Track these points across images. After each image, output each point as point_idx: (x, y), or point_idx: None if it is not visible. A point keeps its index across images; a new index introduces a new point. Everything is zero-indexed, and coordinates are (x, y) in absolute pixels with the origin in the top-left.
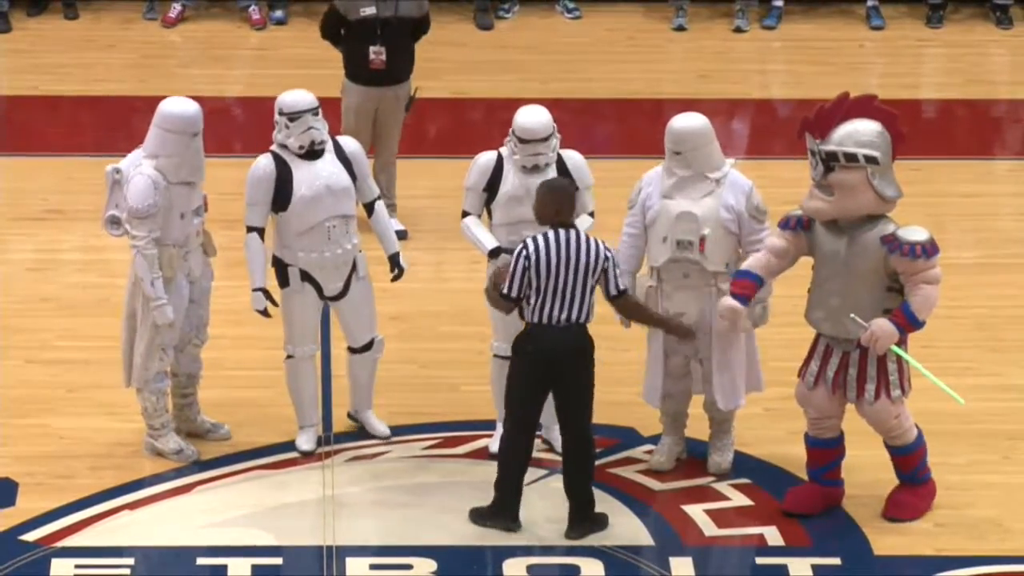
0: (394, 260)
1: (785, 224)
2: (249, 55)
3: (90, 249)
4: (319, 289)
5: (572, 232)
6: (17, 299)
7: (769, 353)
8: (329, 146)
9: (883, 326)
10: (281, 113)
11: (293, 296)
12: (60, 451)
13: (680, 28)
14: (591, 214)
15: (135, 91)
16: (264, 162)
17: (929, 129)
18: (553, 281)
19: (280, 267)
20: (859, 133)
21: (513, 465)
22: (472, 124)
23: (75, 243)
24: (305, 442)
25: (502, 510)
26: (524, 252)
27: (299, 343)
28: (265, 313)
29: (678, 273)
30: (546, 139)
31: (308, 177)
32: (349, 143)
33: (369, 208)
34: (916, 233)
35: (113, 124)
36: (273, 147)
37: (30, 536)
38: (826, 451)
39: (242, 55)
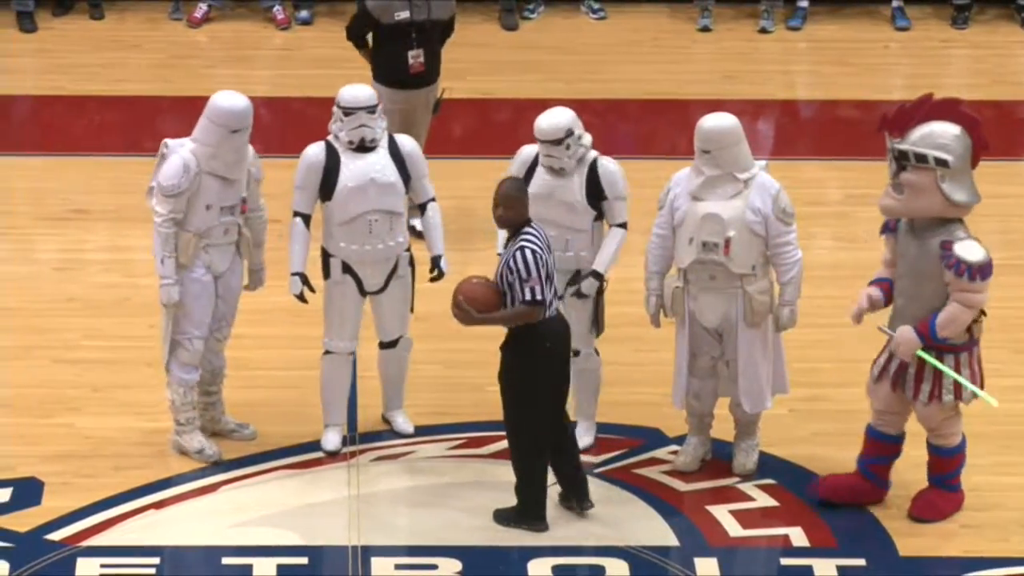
0: (435, 262)
1: (883, 229)
2: (274, 55)
3: (115, 249)
4: (360, 283)
5: (538, 228)
6: (42, 299)
7: (794, 354)
8: (384, 143)
9: (905, 334)
10: (338, 106)
11: (334, 288)
12: (86, 451)
13: (705, 29)
14: (622, 225)
15: (160, 91)
16: (316, 149)
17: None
18: (549, 274)
19: (324, 257)
20: (935, 135)
21: (541, 466)
22: (497, 125)
23: (100, 243)
24: (330, 442)
25: (533, 510)
26: (538, 253)
27: (336, 336)
28: (301, 298)
29: (704, 275)
30: (557, 142)
31: (354, 169)
32: (407, 143)
33: (422, 208)
34: (971, 251)
35: (138, 124)
36: (329, 136)
37: (56, 535)
38: (880, 444)
39: (267, 55)
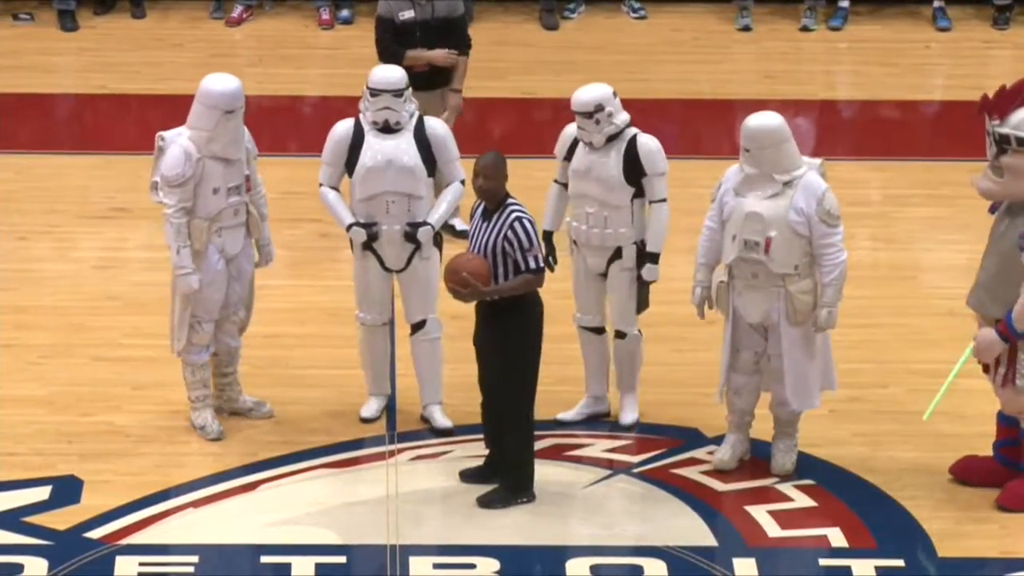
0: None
1: (991, 209)
2: (317, 55)
3: (156, 247)
4: (380, 260)
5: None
6: (84, 297)
7: (834, 355)
8: (411, 126)
9: (986, 336)
10: (367, 86)
11: (358, 262)
12: (125, 449)
13: (746, 28)
14: (663, 200)
15: None
16: (344, 126)
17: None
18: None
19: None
20: None
21: (531, 434)
22: (537, 124)
23: (141, 241)
24: (367, 409)
25: (526, 482)
26: (533, 222)
27: (365, 310)
28: (368, 245)
29: (747, 272)
30: (588, 115)
31: (376, 149)
32: (436, 126)
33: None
34: None
35: (180, 123)
36: (359, 115)
37: (94, 534)
38: (1004, 427)
39: (309, 55)
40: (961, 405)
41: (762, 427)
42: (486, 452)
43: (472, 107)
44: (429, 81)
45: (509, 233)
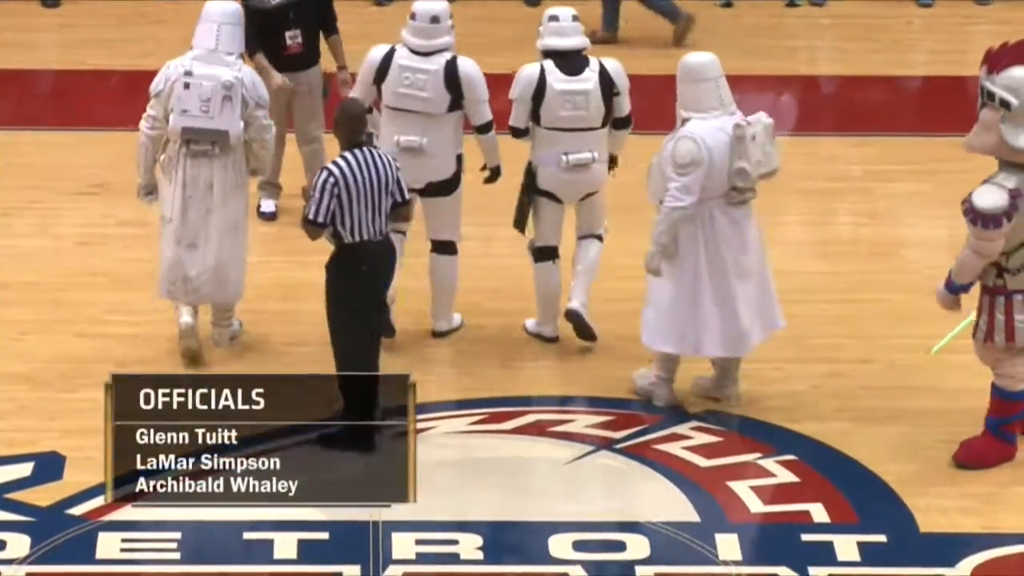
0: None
1: None
2: None
3: (139, 224)
4: None
5: (366, 151)
6: (66, 273)
7: (815, 330)
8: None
9: (938, 288)
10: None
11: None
12: None
13: (727, 4)
14: (628, 118)
15: None
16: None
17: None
18: (364, 199)
19: None
20: (1012, 77)
21: (364, 375)
22: None
23: (124, 217)
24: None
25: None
26: (331, 176)
27: None
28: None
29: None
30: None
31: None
32: (467, 66)
33: (478, 130)
34: (983, 197)
35: None
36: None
37: (77, 510)
38: (999, 401)
39: None
40: (942, 379)
41: (745, 403)
42: (468, 428)
43: None
44: (305, 60)
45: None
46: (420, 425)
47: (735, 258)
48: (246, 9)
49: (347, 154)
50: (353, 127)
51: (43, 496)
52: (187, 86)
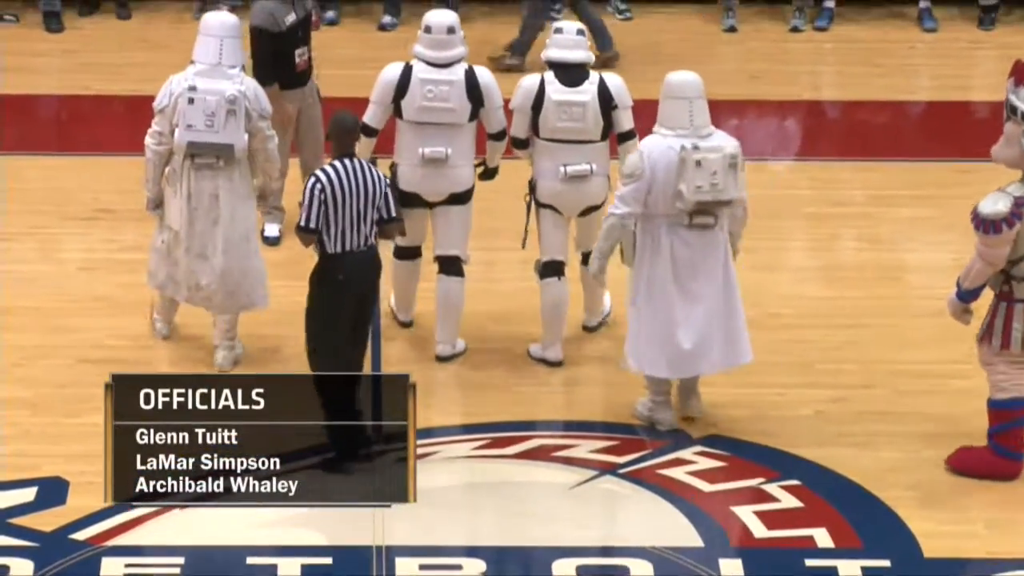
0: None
1: None
2: None
3: (141, 249)
4: None
5: (356, 161)
6: (68, 298)
7: (819, 355)
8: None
9: (949, 297)
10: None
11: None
12: None
13: (731, 29)
14: (630, 132)
15: None
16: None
17: (980, 131)
18: (349, 208)
19: None
20: None
21: (338, 391)
22: None
23: (127, 243)
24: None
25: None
26: (319, 183)
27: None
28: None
29: None
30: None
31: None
32: (485, 74)
33: (491, 137)
34: (987, 203)
35: None
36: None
37: (80, 535)
38: (990, 411)
39: None
40: (949, 405)
41: (740, 425)
42: (472, 452)
43: None
44: (309, 71)
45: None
46: (424, 450)
47: (683, 282)
48: (260, 36)
49: (336, 162)
50: (345, 138)
51: (47, 521)
52: (191, 101)
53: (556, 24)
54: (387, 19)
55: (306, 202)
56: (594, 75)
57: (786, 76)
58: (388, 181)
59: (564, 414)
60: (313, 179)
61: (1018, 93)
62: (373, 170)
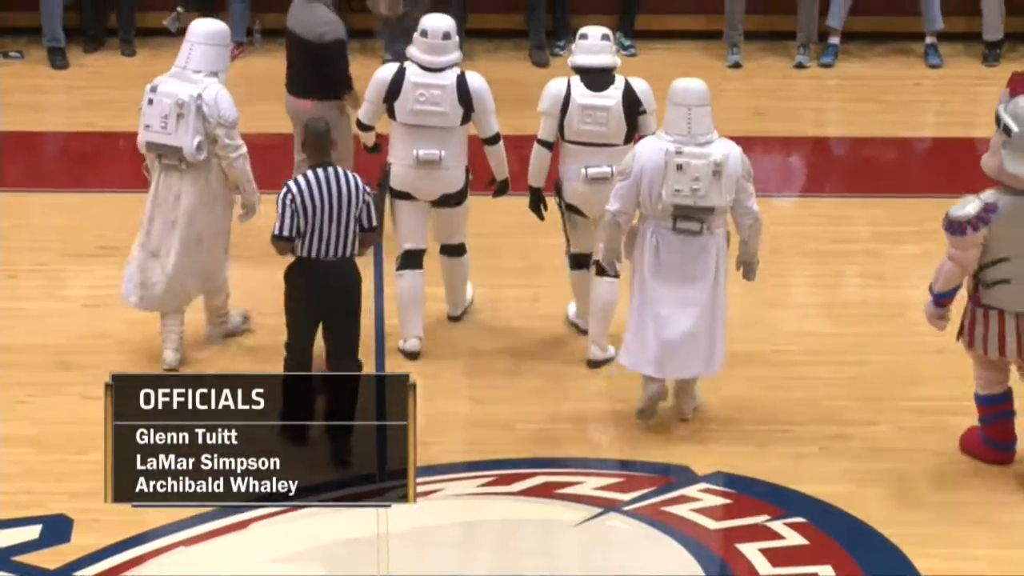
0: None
1: None
2: None
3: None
4: None
5: (331, 170)
6: (73, 335)
7: (822, 392)
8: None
9: (926, 303)
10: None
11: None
12: None
13: (736, 65)
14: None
15: None
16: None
17: None
18: (320, 217)
19: None
20: (1019, 105)
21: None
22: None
23: None
24: (408, 345)
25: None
26: (288, 193)
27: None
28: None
29: None
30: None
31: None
32: (476, 80)
33: (486, 142)
34: (958, 206)
35: None
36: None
37: (85, 573)
38: (979, 405)
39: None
40: (952, 441)
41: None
42: (476, 490)
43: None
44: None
45: None
46: (426, 488)
47: (671, 284)
48: (343, 45)
49: (309, 172)
50: (318, 145)
51: (51, 559)
52: (151, 102)
53: (581, 30)
54: (388, 58)
55: (278, 211)
56: (620, 79)
57: (791, 112)
58: (369, 191)
59: (568, 451)
60: (284, 189)
61: (1006, 105)
62: (353, 180)
